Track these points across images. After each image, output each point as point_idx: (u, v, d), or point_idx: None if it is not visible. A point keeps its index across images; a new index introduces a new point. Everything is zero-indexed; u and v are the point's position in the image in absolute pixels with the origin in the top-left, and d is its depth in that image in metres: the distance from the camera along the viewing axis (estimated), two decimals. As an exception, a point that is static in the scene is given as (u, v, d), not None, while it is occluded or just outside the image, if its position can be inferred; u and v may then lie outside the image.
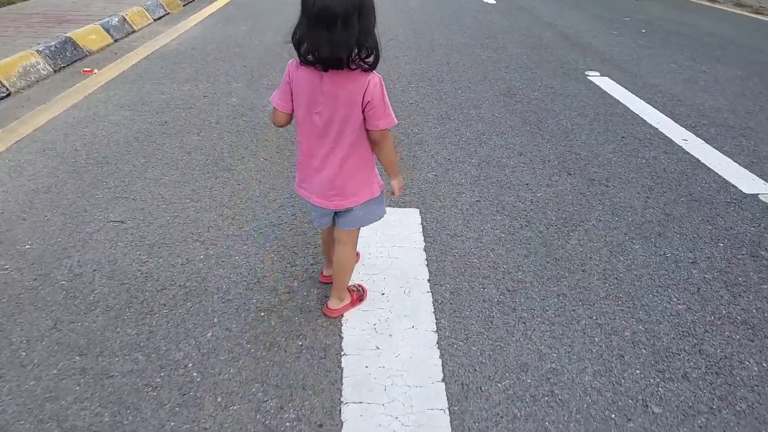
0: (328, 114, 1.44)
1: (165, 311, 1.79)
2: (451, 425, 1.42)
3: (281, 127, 1.56)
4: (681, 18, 7.67)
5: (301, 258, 2.09)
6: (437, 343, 1.68)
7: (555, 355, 1.66)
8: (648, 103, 4.01)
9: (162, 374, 1.55)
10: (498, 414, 1.46)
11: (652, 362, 1.65)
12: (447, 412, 1.45)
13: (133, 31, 5.72)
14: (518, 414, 1.46)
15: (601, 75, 4.69)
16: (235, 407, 1.46)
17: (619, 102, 4.03)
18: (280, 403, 1.47)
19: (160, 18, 6.36)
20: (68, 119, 3.42)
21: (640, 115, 3.75)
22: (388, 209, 1.77)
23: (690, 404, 1.52)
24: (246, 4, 7.47)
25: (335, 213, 1.67)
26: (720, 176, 2.89)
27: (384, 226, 2.25)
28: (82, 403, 1.46)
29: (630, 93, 4.23)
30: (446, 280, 1.98)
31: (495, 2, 8.28)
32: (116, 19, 5.56)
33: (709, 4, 9.40)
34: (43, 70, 4.27)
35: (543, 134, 3.37)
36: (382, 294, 1.89)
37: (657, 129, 3.51)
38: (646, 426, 1.45)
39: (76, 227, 2.26)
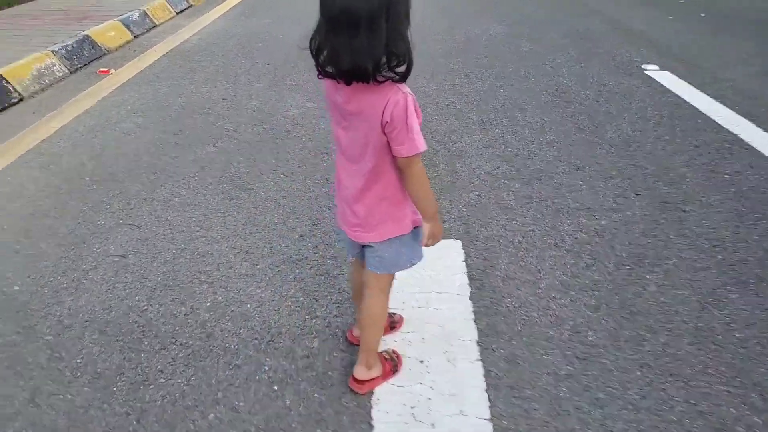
0: (351, 131, 1.20)
1: (162, 381, 1.50)
2: None
3: None
4: (741, 0, 6.94)
5: (323, 307, 1.77)
6: (491, 434, 1.34)
7: (644, 456, 1.29)
8: (720, 102, 3.49)
9: (152, 472, 1.27)
10: None
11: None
12: None
13: (155, 26, 5.48)
14: None
15: (661, 69, 4.16)
16: None
17: (684, 101, 3.53)
18: None
19: (182, 11, 6.10)
20: (78, 127, 3.19)
21: (713, 118, 3.25)
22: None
23: None
24: (271, -7, 7.15)
25: (362, 246, 1.36)
26: (822, 197, 2.42)
27: (419, 265, 1.89)
28: None
29: (696, 90, 3.70)
30: (500, 342, 1.62)
31: (535, -14, 7.69)
32: (137, 14, 5.32)
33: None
34: (58, 71, 4.06)
35: (601, 143, 2.94)
36: (421, 362, 1.55)
37: (736, 135, 3.02)
38: None
39: (71, 263, 2.00)
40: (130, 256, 2.03)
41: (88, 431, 1.37)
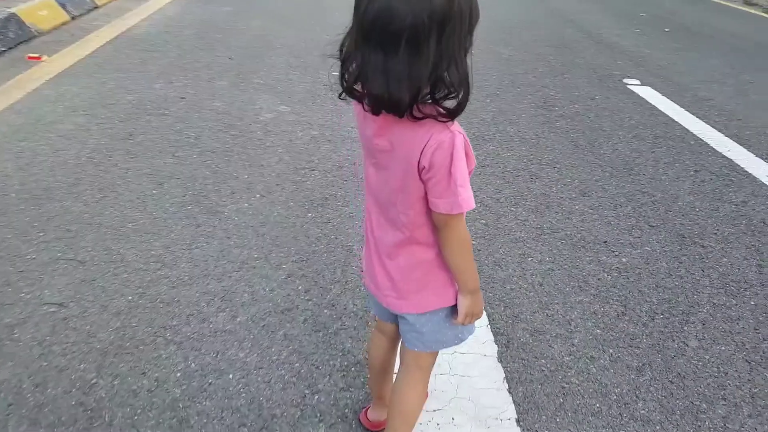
0: (383, 171, 0.93)
1: (120, 495, 1.13)
2: None
3: None
4: (696, 16, 7.11)
5: (325, 377, 1.44)
6: None
7: None
8: (706, 122, 3.44)
9: None
10: None
11: None
12: None
13: (96, 7, 4.85)
14: None
15: (642, 84, 4.10)
16: None
17: (673, 120, 3.45)
18: None
19: (127, -8, 5.46)
20: (1, 127, 2.65)
21: (704, 140, 3.17)
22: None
23: None
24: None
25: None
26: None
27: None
28: None
29: (682, 109, 3.65)
30: (542, 420, 1.36)
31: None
32: (74, -8, 4.67)
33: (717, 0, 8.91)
34: (-25, 55, 3.44)
35: (602, 165, 2.76)
36: (457, 455, 1.27)
37: (731, 160, 2.94)
38: None
39: (-9, 314, 1.55)
40: (71, 304, 1.61)
41: None
